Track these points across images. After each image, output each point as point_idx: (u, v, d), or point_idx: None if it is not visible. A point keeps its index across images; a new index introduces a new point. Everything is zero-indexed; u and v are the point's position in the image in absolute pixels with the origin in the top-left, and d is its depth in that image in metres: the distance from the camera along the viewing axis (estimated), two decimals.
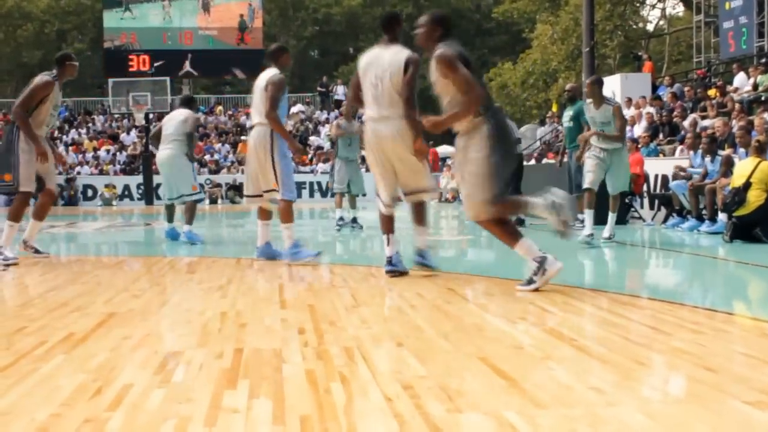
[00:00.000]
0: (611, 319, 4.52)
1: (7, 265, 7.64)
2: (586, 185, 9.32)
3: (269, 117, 7.40)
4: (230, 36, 36.44)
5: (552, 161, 16.37)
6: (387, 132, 6.30)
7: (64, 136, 33.77)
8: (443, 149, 35.10)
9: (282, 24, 57.54)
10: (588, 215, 9.30)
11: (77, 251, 10.65)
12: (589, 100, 9.60)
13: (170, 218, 10.71)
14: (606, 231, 9.37)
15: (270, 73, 7.55)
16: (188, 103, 10.94)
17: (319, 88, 37.92)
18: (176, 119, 10.35)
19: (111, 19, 36.44)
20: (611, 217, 9.49)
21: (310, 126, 34.95)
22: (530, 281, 5.50)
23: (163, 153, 10.28)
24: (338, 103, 35.94)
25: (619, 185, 9.47)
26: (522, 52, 43.13)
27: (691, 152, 12.56)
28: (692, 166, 12.26)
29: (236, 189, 29.05)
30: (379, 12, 56.13)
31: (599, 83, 9.64)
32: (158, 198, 28.16)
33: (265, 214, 7.93)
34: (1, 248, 7.89)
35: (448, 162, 29.87)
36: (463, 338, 3.95)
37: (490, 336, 4.02)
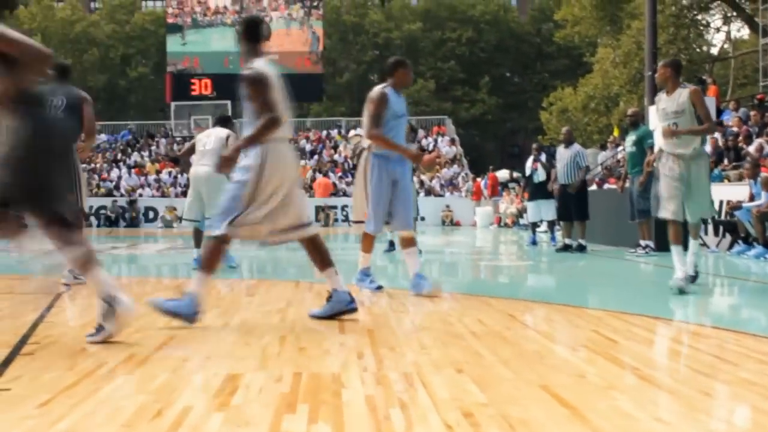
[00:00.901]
0: (675, 348, 4.42)
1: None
2: (668, 216, 7.27)
3: (371, 135, 6.95)
4: (291, 60, 36.84)
5: (614, 186, 16.18)
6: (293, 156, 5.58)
7: (127, 159, 34.40)
8: (502, 173, 34.98)
9: (342, 48, 58.11)
10: (676, 252, 7.25)
11: (138, 273, 10.79)
12: (659, 94, 7.59)
13: (198, 243, 9.73)
14: (689, 266, 7.38)
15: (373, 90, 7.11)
16: (225, 122, 10.19)
17: None
18: (219, 136, 9.64)
19: (174, 43, 37.17)
20: (693, 246, 7.63)
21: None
22: (100, 328, 4.50)
23: (200, 169, 9.52)
24: None
25: (703, 208, 7.46)
26: (582, 77, 42.83)
27: (750, 180, 12.29)
28: (752, 195, 11.99)
29: None
30: (439, 36, 56.47)
31: (675, 66, 7.48)
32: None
33: (405, 242, 7.21)
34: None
35: (510, 186, 29.78)
36: (524, 365, 3.90)
37: (551, 363, 3.96)
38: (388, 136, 6.88)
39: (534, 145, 15.50)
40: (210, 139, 9.66)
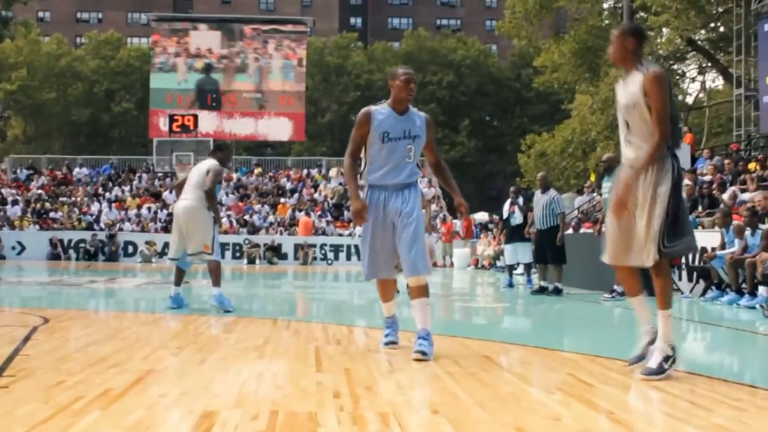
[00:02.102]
0: (649, 393, 4.46)
1: None
2: (604, 260, 5.13)
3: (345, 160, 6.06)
4: (274, 99, 37.05)
5: (590, 230, 16.29)
6: None
7: (108, 193, 34.30)
8: (480, 216, 35.09)
9: (324, 89, 58.45)
10: (636, 306, 5.26)
11: (116, 307, 10.73)
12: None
13: (179, 281, 9.56)
14: (660, 337, 4.93)
15: None
16: (216, 151, 9.64)
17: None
18: (200, 169, 9.27)
19: (158, 80, 37.32)
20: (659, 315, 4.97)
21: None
22: None
23: (180, 204, 9.27)
24: None
25: (644, 251, 4.83)
26: (561, 122, 43.27)
27: (722, 229, 12.40)
28: (724, 243, 12.10)
29: (274, 250, 29.23)
30: (420, 78, 56.95)
31: (634, 34, 5.05)
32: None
33: (413, 291, 5.81)
34: None
35: (489, 227, 29.89)
36: (500, 407, 3.92)
37: (526, 406, 3.98)
38: (375, 165, 5.79)
39: (511, 189, 15.60)
40: (195, 172, 9.33)
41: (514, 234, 14.57)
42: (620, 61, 5.07)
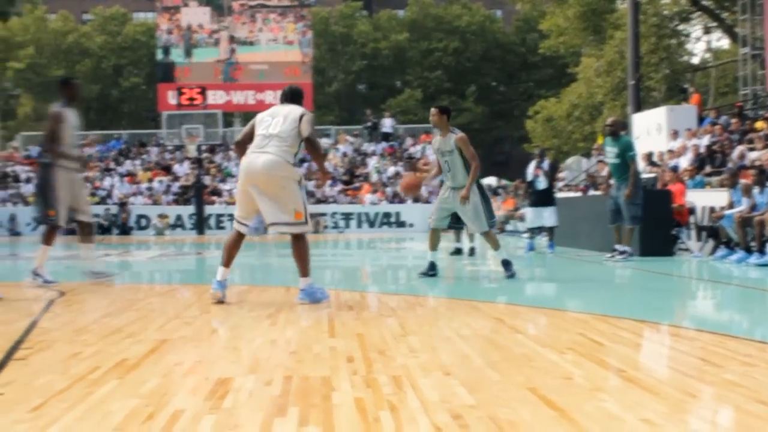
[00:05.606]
0: (660, 351, 4.48)
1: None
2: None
3: None
4: (279, 71, 37.01)
5: (599, 193, 16.26)
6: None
7: (119, 167, 34.39)
8: (489, 180, 35.02)
9: (331, 58, 58.21)
10: None
11: (131, 279, 10.79)
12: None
13: (228, 260, 7.04)
14: None
15: None
16: (295, 97, 7.21)
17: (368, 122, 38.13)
18: (286, 115, 6.89)
19: (164, 54, 37.36)
20: None
21: (358, 158, 35.18)
22: None
23: (259, 159, 6.77)
24: (385, 136, 36.17)
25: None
26: (567, 86, 43.05)
27: (730, 190, 12.36)
28: (732, 202, 12.07)
29: None
30: (425, 46, 56.64)
31: None
32: (209, 228, 28.61)
33: None
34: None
35: (498, 192, 29.84)
36: (512, 368, 3.95)
37: (539, 366, 4.01)
38: None
39: (536, 151, 15.55)
40: (277, 119, 6.90)
41: (538, 198, 14.54)
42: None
